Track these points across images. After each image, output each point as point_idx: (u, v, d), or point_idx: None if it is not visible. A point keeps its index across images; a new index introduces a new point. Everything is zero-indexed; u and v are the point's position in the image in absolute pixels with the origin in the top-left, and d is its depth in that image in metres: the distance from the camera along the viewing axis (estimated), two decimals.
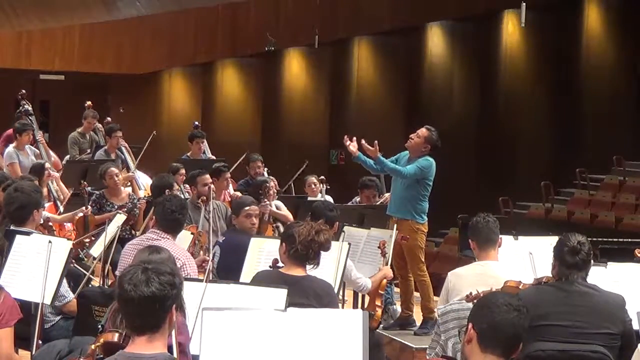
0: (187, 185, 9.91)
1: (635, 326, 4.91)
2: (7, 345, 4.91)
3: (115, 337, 3.66)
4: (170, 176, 9.45)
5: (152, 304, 3.28)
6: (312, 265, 5.44)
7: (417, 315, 8.46)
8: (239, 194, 9.83)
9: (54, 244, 5.75)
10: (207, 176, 9.13)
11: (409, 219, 8.21)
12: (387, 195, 9.45)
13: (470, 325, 3.55)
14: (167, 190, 8.49)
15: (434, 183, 8.38)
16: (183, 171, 10.28)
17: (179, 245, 6.40)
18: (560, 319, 4.80)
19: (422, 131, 8.32)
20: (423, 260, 8.35)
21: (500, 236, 5.83)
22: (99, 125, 12.52)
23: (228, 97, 21.13)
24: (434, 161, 8.26)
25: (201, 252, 7.58)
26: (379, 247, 7.52)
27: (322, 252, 5.50)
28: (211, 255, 7.16)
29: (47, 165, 10.03)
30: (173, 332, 3.77)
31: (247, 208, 7.54)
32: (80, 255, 8.38)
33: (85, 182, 9.45)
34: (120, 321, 3.89)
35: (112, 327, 3.93)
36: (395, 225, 7.95)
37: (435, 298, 8.17)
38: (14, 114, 12.09)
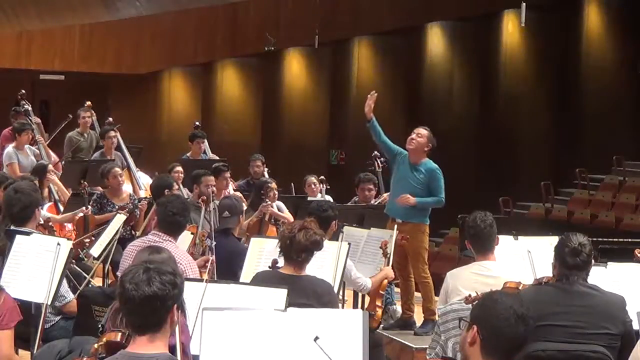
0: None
1: (635, 326, 4.91)
2: (7, 346, 4.91)
3: (118, 337, 3.67)
4: (170, 176, 9.44)
5: (153, 303, 3.28)
6: (298, 258, 5.40)
7: (418, 316, 8.46)
8: (239, 194, 9.83)
9: (59, 245, 5.74)
10: (212, 177, 9.14)
11: (417, 222, 8.21)
12: (385, 195, 9.43)
13: (475, 329, 3.50)
14: (166, 190, 8.47)
15: None
16: (179, 169, 10.25)
17: (181, 247, 6.36)
18: (561, 319, 4.79)
19: (423, 132, 8.27)
20: (427, 262, 8.33)
21: (497, 235, 5.82)
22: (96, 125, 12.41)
23: (228, 97, 21.11)
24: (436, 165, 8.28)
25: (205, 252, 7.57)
26: (380, 248, 7.50)
27: (316, 252, 5.48)
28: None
29: (50, 167, 10.00)
30: (177, 332, 3.77)
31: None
32: (80, 255, 8.38)
33: (85, 182, 9.43)
34: (120, 321, 3.89)
35: (112, 327, 3.93)
36: (395, 226, 7.93)
37: (436, 299, 8.17)
38: (9, 113, 12.06)
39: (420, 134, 8.24)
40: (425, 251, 8.29)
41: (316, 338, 3.76)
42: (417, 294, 8.57)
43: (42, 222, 6.98)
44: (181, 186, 10.06)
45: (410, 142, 8.26)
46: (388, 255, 7.45)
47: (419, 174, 8.21)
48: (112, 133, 11.36)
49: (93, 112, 12.27)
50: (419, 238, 8.19)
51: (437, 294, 7.27)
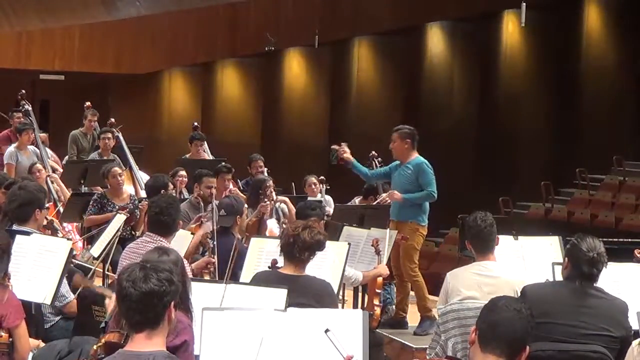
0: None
1: (634, 326, 4.91)
2: (26, 339, 4.95)
3: (116, 337, 3.68)
4: (165, 176, 9.38)
5: (150, 300, 3.30)
6: (301, 256, 5.40)
7: (413, 315, 8.46)
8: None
9: (54, 244, 5.75)
10: (213, 179, 9.12)
11: (412, 221, 8.25)
12: (384, 195, 9.45)
13: (473, 328, 3.58)
14: (162, 190, 8.45)
15: None
16: (182, 173, 10.16)
17: (174, 248, 6.29)
18: (564, 317, 4.78)
19: (394, 135, 8.40)
20: (416, 261, 8.36)
21: (497, 235, 5.81)
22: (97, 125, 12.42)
23: (228, 97, 21.12)
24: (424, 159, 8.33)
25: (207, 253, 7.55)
26: (372, 246, 7.52)
27: (318, 252, 5.49)
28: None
29: (39, 166, 9.99)
30: (191, 330, 3.78)
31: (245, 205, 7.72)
32: (81, 256, 8.37)
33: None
34: (124, 322, 3.89)
35: (116, 327, 3.94)
36: (388, 226, 7.97)
37: (430, 297, 8.22)
38: (8, 114, 12.09)
39: (393, 139, 8.37)
40: (416, 251, 8.34)
41: (327, 330, 3.77)
42: (412, 293, 8.59)
43: (45, 222, 6.99)
44: (185, 191, 10.01)
45: (392, 152, 8.43)
46: (381, 253, 7.47)
47: (407, 170, 8.32)
48: (109, 134, 11.37)
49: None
50: (412, 237, 8.24)
51: (437, 294, 7.28)
